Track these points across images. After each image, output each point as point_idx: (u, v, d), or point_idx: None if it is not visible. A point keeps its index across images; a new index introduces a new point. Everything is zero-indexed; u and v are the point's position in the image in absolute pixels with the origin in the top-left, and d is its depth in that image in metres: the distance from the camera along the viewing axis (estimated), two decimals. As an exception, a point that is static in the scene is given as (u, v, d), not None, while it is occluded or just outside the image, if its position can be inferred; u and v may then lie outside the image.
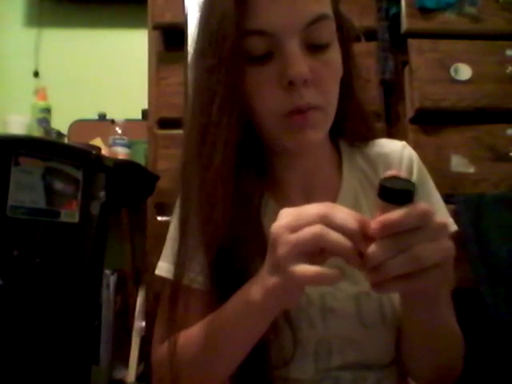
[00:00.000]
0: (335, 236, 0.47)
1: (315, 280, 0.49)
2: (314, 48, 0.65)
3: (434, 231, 0.47)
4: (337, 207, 0.50)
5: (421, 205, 0.47)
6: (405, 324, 0.64)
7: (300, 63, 0.62)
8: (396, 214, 0.46)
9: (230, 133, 0.64)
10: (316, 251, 0.50)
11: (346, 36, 0.73)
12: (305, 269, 0.48)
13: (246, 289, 0.58)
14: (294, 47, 0.63)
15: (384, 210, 0.47)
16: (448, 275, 0.50)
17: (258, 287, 0.55)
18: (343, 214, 0.49)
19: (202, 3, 0.70)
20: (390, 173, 0.50)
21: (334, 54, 0.68)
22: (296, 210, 0.51)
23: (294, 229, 0.49)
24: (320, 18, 0.64)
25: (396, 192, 0.48)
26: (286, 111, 0.64)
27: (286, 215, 0.51)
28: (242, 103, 0.65)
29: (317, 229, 0.48)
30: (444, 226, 0.48)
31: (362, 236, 0.48)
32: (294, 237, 0.49)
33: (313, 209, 0.50)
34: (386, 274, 0.46)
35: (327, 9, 0.66)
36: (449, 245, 0.48)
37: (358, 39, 0.77)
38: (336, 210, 0.49)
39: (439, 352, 0.64)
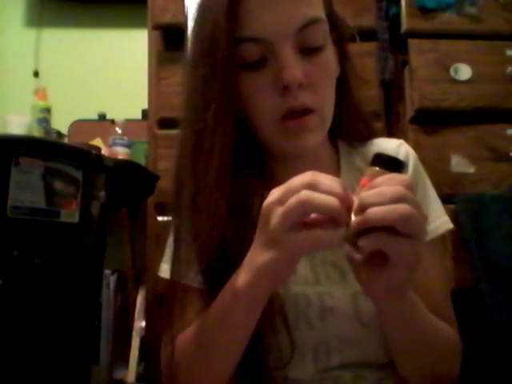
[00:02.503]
0: (321, 197, 0.48)
1: (312, 243, 0.49)
2: (308, 51, 0.65)
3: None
4: (321, 175, 0.50)
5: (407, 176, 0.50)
6: (381, 322, 0.64)
7: (294, 67, 0.62)
8: (384, 177, 0.49)
9: (226, 139, 0.64)
10: (310, 221, 0.50)
11: (341, 36, 0.73)
12: (301, 233, 0.49)
13: (231, 281, 0.58)
14: (287, 52, 0.63)
15: (374, 176, 0.50)
16: (416, 263, 0.50)
17: (245, 271, 0.55)
18: (328, 180, 0.49)
19: (195, 12, 0.70)
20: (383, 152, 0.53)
21: (329, 56, 0.68)
22: (283, 185, 0.52)
23: (282, 201, 0.50)
24: (312, 22, 0.64)
25: (387, 158, 0.51)
26: (282, 114, 0.64)
27: (275, 192, 0.52)
28: (237, 110, 0.66)
29: (301, 195, 0.48)
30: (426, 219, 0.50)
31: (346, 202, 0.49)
32: (282, 208, 0.49)
33: (298, 179, 0.50)
34: (369, 219, 0.47)
35: (319, 11, 0.67)
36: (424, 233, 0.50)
37: (354, 39, 0.78)
38: (321, 177, 0.50)
39: (423, 354, 0.64)
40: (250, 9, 0.63)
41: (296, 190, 0.49)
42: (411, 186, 0.49)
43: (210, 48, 0.65)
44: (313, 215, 0.50)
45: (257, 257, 0.54)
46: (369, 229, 0.47)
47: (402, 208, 0.46)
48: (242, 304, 0.57)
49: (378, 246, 0.48)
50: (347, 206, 0.49)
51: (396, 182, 0.48)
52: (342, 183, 0.50)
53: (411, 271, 0.51)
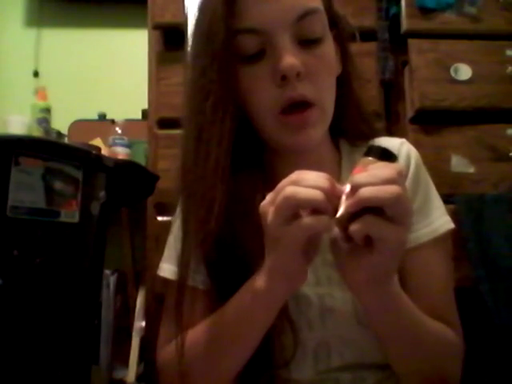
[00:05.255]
0: (304, 191, 0.50)
1: (303, 230, 0.51)
2: (306, 43, 0.65)
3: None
4: (307, 172, 0.53)
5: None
6: (370, 322, 0.64)
7: (291, 56, 0.63)
8: (377, 164, 0.51)
9: (225, 130, 0.65)
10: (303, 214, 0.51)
11: (342, 33, 0.74)
12: (291, 225, 0.51)
13: (251, 282, 0.59)
14: (284, 42, 0.63)
15: (367, 165, 0.52)
16: (400, 251, 0.52)
17: (262, 274, 0.57)
18: (312, 175, 0.52)
19: (197, 5, 0.71)
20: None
21: (328, 49, 0.68)
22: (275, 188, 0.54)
23: (274, 202, 0.52)
24: (309, 12, 0.65)
25: (380, 149, 0.53)
26: (281, 106, 0.65)
27: (268, 195, 0.54)
28: (236, 101, 0.66)
29: (286, 191, 0.51)
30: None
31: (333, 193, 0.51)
32: (273, 207, 0.52)
33: (285, 180, 0.53)
34: (360, 198, 0.48)
35: (317, 3, 0.67)
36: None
37: (354, 37, 0.78)
38: (305, 174, 0.52)
39: (412, 351, 0.63)
40: (248, 0, 0.64)
41: (282, 189, 0.51)
42: (402, 174, 0.50)
43: (209, 40, 0.65)
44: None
45: (267, 259, 0.55)
46: (359, 214, 0.49)
47: (393, 188, 0.48)
48: (260, 306, 0.58)
49: (367, 228, 0.49)
50: (334, 196, 0.51)
51: (388, 168, 0.50)
52: (328, 177, 0.52)
53: (394, 259, 0.52)
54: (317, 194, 0.50)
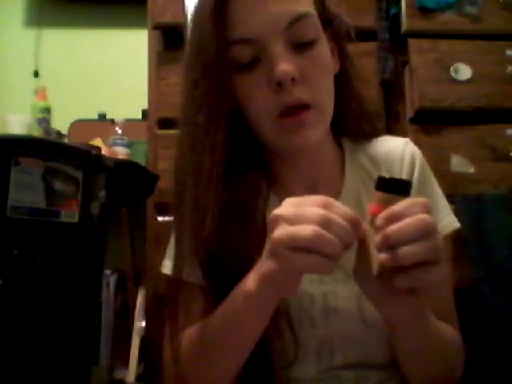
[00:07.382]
0: (328, 241, 0.48)
1: (306, 266, 0.49)
2: (300, 46, 0.65)
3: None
4: (336, 206, 0.50)
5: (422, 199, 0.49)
6: (391, 334, 0.64)
7: (285, 62, 0.63)
8: (402, 205, 0.48)
9: (217, 141, 0.65)
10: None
11: (338, 31, 0.73)
12: (297, 254, 0.49)
13: (244, 281, 0.58)
14: (277, 48, 0.64)
15: (384, 201, 0.49)
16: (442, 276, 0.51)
17: (254, 276, 0.56)
18: (342, 221, 0.49)
19: (190, 18, 0.71)
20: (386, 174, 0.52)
21: (322, 50, 0.68)
22: (298, 200, 0.52)
23: (291, 222, 0.50)
24: (300, 17, 0.65)
25: (395, 181, 0.49)
26: (278, 111, 0.65)
27: (287, 205, 0.52)
28: (230, 111, 0.66)
29: (312, 232, 0.48)
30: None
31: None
32: (291, 229, 0.49)
33: (313, 204, 0.50)
34: (404, 259, 0.46)
35: (307, 6, 0.67)
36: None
37: (351, 35, 0.77)
38: (335, 212, 0.50)
39: (431, 360, 0.64)
40: (238, 11, 0.64)
41: (307, 218, 0.49)
42: (430, 209, 0.49)
43: (200, 53, 0.66)
44: None
45: (262, 264, 0.54)
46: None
47: (435, 243, 0.47)
48: (251, 308, 0.57)
49: (415, 283, 0.48)
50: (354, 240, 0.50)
51: (418, 210, 0.48)
52: (356, 222, 0.50)
53: (436, 292, 0.53)
54: (338, 248, 0.48)
